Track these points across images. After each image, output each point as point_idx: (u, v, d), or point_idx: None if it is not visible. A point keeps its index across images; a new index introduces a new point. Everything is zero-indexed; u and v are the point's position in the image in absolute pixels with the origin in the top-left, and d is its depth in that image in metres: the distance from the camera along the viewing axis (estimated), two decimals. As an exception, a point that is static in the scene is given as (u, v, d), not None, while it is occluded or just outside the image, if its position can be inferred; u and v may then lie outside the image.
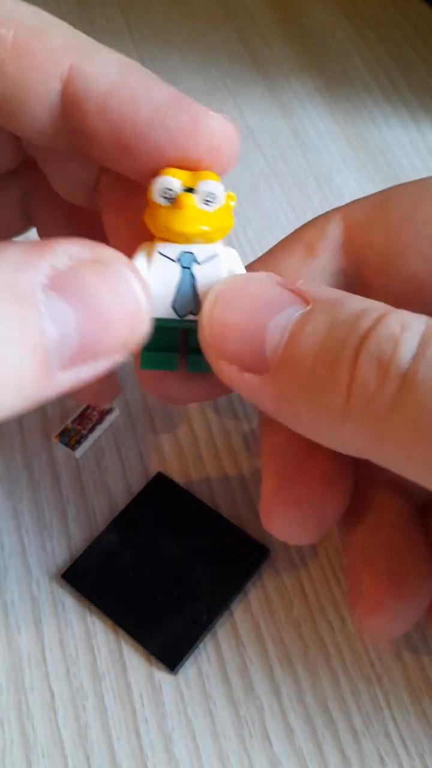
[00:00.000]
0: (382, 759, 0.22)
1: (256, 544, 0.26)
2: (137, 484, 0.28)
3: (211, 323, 0.18)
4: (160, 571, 0.25)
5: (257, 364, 0.18)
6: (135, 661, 0.24)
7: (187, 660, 0.24)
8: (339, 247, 0.21)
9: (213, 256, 0.19)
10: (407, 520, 0.22)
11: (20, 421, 0.29)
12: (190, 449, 0.28)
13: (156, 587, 0.25)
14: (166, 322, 0.20)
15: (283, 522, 0.21)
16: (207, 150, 0.18)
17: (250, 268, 0.22)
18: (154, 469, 0.28)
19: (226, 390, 0.21)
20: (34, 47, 0.18)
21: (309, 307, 0.17)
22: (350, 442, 0.17)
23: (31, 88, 0.18)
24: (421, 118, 0.39)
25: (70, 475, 0.28)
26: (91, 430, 0.28)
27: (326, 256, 0.21)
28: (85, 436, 0.28)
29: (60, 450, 0.28)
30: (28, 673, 0.24)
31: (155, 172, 0.19)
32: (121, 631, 0.24)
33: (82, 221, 0.24)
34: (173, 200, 0.18)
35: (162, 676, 0.24)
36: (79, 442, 0.28)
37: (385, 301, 0.18)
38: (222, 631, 0.24)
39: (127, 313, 0.17)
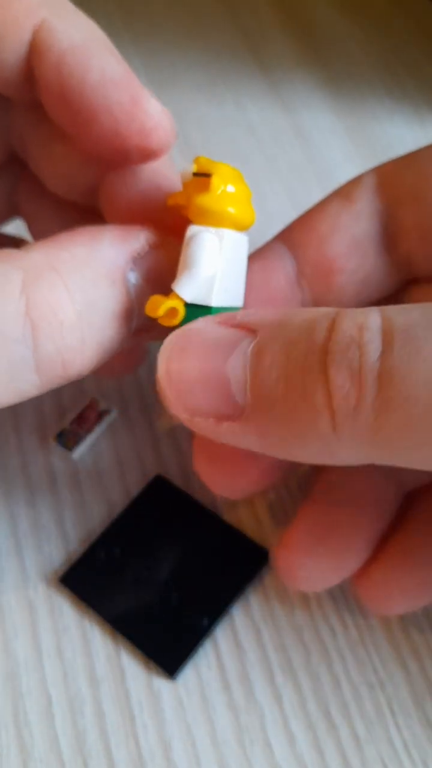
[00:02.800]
0: (385, 765, 0.22)
1: (256, 548, 0.25)
2: (136, 487, 0.27)
3: (170, 384, 0.18)
4: (159, 575, 0.25)
5: (231, 409, 0.17)
6: (134, 666, 0.24)
7: (186, 665, 0.24)
8: (374, 192, 0.22)
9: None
10: (379, 500, 0.22)
11: (17, 422, 0.29)
12: (189, 451, 0.28)
13: (155, 591, 0.24)
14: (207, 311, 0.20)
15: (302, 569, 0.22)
16: (138, 130, 0.20)
17: (291, 227, 0.22)
18: (153, 471, 0.28)
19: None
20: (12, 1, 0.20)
21: (257, 338, 0.17)
22: (351, 456, 0.17)
23: (7, 35, 0.20)
24: (424, 114, 0.39)
25: (68, 478, 0.28)
26: (89, 431, 0.28)
27: (362, 202, 0.22)
28: (83, 438, 0.28)
29: (57, 452, 0.28)
30: (25, 679, 0.24)
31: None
32: (119, 636, 0.24)
33: (70, 212, 0.25)
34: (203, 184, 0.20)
35: (161, 681, 0.23)
36: (76, 444, 0.28)
37: (418, 234, 0.20)
38: (222, 636, 0.24)
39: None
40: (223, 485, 0.23)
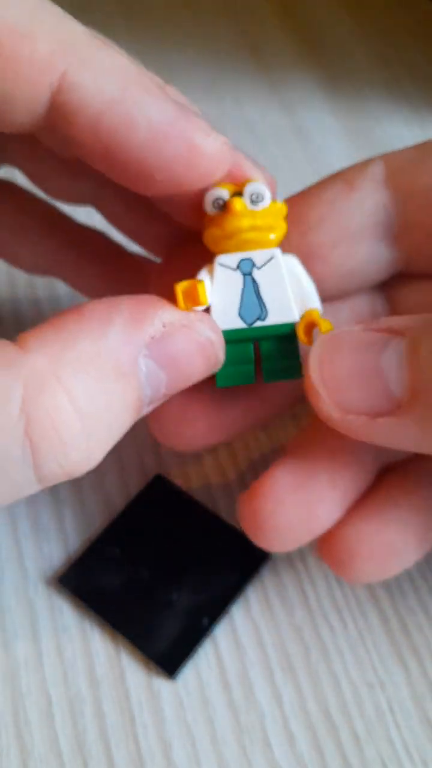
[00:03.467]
0: (384, 765, 0.22)
1: (256, 548, 0.25)
2: (136, 487, 0.27)
3: (324, 383, 0.18)
4: (159, 575, 0.25)
5: (387, 403, 0.18)
6: (133, 666, 0.24)
7: (186, 665, 0.24)
8: (380, 184, 0.21)
9: (270, 259, 0.20)
10: (357, 464, 0.21)
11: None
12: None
13: (155, 591, 0.24)
14: (236, 334, 0.20)
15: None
16: (200, 176, 0.19)
17: (288, 202, 0.22)
18: (152, 471, 0.28)
19: (261, 416, 0.22)
20: (23, 49, 0.16)
21: (406, 337, 0.18)
22: None
23: (17, 99, 0.17)
24: (423, 114, 0.39)
25: (68, 477, 0.28)
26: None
27: (365, 191, 0.21)
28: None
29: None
30: (24, 679, 0.24)
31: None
32: (119, 636, 0.24)
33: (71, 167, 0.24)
34: (223, 206, 0.20)
35: (161, 681, 0.23)
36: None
37: (426, 231, 0.20)
38: (222, 635, 0.24)
39: (207, 362, 0.19)
40: (170, 436, 0.22)
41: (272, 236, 0.20)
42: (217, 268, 0.20)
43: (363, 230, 0.21)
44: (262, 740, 0.22)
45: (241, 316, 0.20)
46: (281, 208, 0.20)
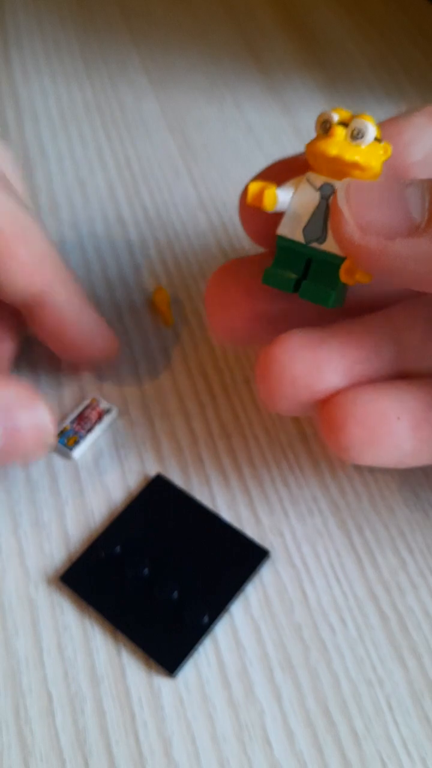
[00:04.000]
0: (383, 762, 0.22)
1: (255, 547, 0.25)
2: (136, 486, 0.27)
3: (350, 200, 0.20)
4: (160, 574, 0.25)
5: (407, 225, 0.20)
6: (134, 664, 0.24)
7: (186, 663, 0.24)
8: None
9: None
10: (376, 348, 0.23)
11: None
12: (189, 450, 0.28)
13: (155, 590, 0.24)
14: (291, 243, 0.22)
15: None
16: (102, 355, 0.29)
17: (381, 125, 0.23)
18: (153, 470, 0.28)
19: (294, 324, 0.23)
20: (16, 257, 0.25)
21: (426, 182, 0.20)
22: None
23: (7, 289, 0.26)
24: (422, 115, 0.39)
25: (69, 477, 0.28)
26: (90, 430, 0.28)
27: None
28: (84, 437, 0.28)
29: (58, 451, 0.28)
30: (26, 677, 0.24)
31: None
32: (119, 634, 0.24)
33: None
34: (328, 130, 0.21)
35: (161, 679, 0.24)
36: (77, 443, 0.28)
37: None
38: (222, 634, 0.24)
39: (38, 434, 0.24)
40: (222, 325, 0.25)
41: (365, 176, 0.21)
42: (304, 183, 0.22)
43: None
44: (262, 737, 0.23)
45: (304, 232, 0.22)
46: (381, 149, 0.21)
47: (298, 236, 0.22)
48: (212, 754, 0.22)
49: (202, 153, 0.38)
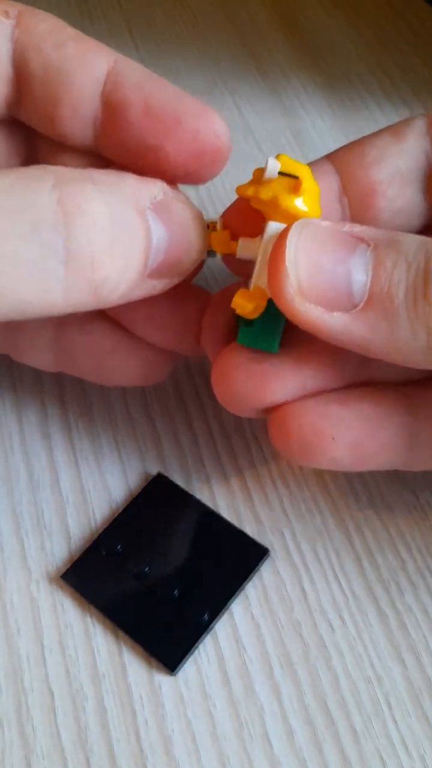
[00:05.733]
0: (382, 760, 0.22)
1: (255, 545, 0.26)
2: (137, 485, 0.27)
3: (296, 266, 0.20)
4: (160, 572, 0.25)
5: (345, 301, 0.20)
6: (135, 662, 0.24)
7: (186, 661, 0.24)
8: (423, 135, 0.24)
9: (276, 231, 0.21)
10: (337, 364, 0.23)
11: (20, 419, 0.29)
12: (190, 449, 0.28)
13: (156, 588, 0.25)
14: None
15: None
16: (212, 133, 0.22)
17: (339, 151, 0.24)
18: (153, 469, 0.28)
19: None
20: (91, 41, 0.22)
21: (372, 247, 0.20)
22: None
23: (87, 61, 0.22)
24: (421, 118, 0.39)
25: (70, 476, 0.28)
26: None
27: (411, 141, 0.24)
28: None
29: (59, 451, 0.28)
30: (27, 675, 0.24)
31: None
32: (120, 633, 0.24)
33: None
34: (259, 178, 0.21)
35: (162, 677, 0.24)
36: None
37: None
38: (222, 631, 0.24)
39: (198, 236, 0.22)
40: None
41: (302, 207, 0.21)
42: (266, 228, 0.21)
43: (411, 173, 0.24)
44: (262, 735, 0.23)
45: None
46: (287, 181, 0.21)
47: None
48: (212, 751, 0.22)
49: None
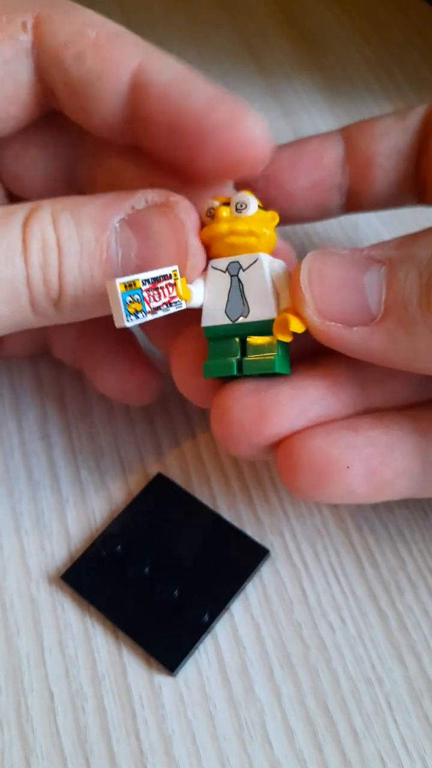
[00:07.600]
0: (383, 761, 0.22)
1: (255, 545, 0.26)
2: (137, 485, 0.27)
3: (312, 288, 0.21)
4: (160, 572, 0.25)
5: (364, 315, 0.20)
6: (135, 662, 0.24)
7: (186, 661, 0.24)
8: (422, 117, 0.27)
9: (255, 261, 0.22)
10: (342, 392, 0.23)
11: (19, 419, 0.29)
12: (190, 450, 0.28)
13: (156, 588, 0.25)
14: (219, 329, 0.22)
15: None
16: (245, 142, 0.21)
17: (350, 126, 0.28)
18: (153, 469, 0.28)
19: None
20: (113, 44, 0.22)
21: (389, 263, 0.20)
22: None
23: (106, 76, 0.22)
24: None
25: (70, 476, 0.28)
26: (154, 311, 0.21)
27: (412, 121, 0.27)
28: (144, 314, 0.21)
29: (59, 450, 0.28)
30: (27, 675, 0.24)
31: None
32: (120, 633, 0.24)
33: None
34: (214, 215, 0.22)
35: (162, 677, 0.24)
36: (136, 315, 0.21)
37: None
38: (222, 632, 0.24)
39: (178, 246, 0.22)
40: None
41: (261, 246, 0.22)
42: (210, 271, 0.22)
43: (409, 148, 0.26)
44: (262, 736, 0.23)
45: (226, 313, 0.22)
46: (269, 216, 0.22)
47: (223, 319, 0.22)
48: (212, 752, 0.22)
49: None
